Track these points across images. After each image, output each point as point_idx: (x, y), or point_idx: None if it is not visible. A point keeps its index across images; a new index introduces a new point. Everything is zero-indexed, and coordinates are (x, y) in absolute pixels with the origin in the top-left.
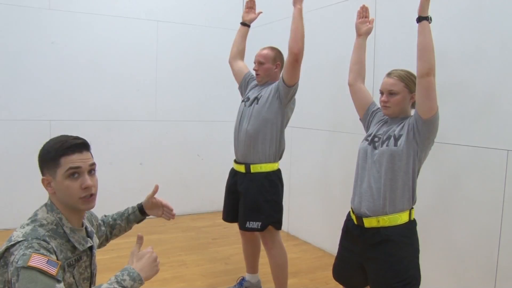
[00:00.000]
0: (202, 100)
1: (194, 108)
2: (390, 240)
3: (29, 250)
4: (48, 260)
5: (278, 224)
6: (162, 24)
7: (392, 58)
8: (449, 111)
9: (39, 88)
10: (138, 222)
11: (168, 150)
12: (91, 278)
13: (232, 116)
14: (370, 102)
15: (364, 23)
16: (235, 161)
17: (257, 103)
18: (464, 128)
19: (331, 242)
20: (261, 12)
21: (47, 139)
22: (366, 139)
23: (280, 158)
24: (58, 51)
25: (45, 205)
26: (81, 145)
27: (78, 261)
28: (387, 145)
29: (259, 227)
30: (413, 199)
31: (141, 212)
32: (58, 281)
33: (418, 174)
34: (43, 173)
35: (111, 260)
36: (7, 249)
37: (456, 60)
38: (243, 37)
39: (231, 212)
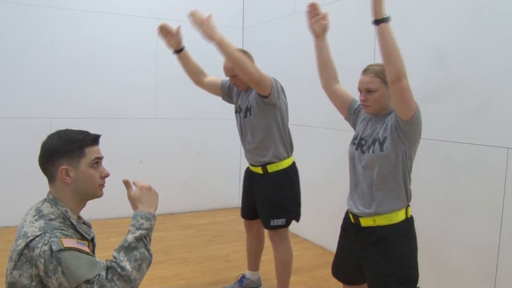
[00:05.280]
0: (202, 98)
1: (194, 106)
2: (387, 239)
3: (55, 237)
4: (77, 241)
5: (298, 218)
6: (162, 21)
7: None
8: (449, 109)
9: (39, 86)
10: None
11: (168, 148)
12: None
13: (232, 114)
14: (350, 101)
15: (317, 22)
16: (251, 164)
17: (251, 114)
18: (464, 126)
19: (331, 240)
20: (180, 26)
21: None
22: (353, 143)
23: (292, 150)
24: (58, 49)
25: (47, 200)
26: (98, 138)
27: None
28: (373, 151)
29: (284, 223)
30: (407, 197)
31: None
32: (93, 256)
33: (410, 171)
34: (59, 163)
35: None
36: (27, 245)
37: (456, 58)
38: (187, 61)
39: (249, 211)
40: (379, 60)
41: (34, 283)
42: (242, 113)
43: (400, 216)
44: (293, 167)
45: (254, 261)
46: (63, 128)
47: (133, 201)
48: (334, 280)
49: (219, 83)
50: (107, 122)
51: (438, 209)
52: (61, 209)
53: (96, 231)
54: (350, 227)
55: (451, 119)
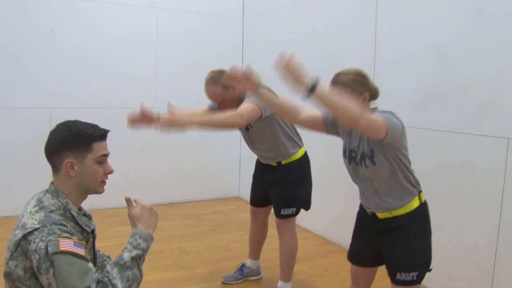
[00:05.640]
0: (202, 88)
1: (194, 96)
2: (404, 226)
3: (53, 236)
4: (74, 243)
5: (309, 206)
6: (162, 11)
7: (393, 55)
8: (449, 100)
9: (39, 76)
10: None
11: (168, 138)
12: (95, 259)
13: None
14: (321, 119)
15: (244, 85)
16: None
17: (251, 127)
18: (464, 116)
19: (331, 230)
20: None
21: (48, 127)
22: (344, 155)
23: (301, 140)
24: (57, 40)
25: (48, 191)
26: (107, 134)
27: (87, 243)
28: (366, 166)
29: (294, 212)
30: (415, 186)
31: None
32: (88, 260)
33: (409, 163)
34: (65, 156)
35: (113, 247)
36: (24, 236)
37: (458, 51)
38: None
39: (258, 199)
40: (379, 58)
41: (28, 275)
42: (243, 127)
43: (414, 204)
44: (305, 156)
45: (256, 250)
46: (62, 118)
47: (133, 219)
48: (334, 270)
49: (208, 107)
50: (107, 112)
51: (437, 200)
52: (62, 201)
53: (97, 221)
54: (366, 217)
55: (451, 110)
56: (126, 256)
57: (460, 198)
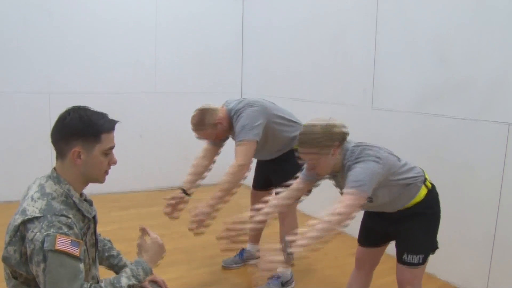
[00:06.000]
0: (202, 72)
1: (194, 80)
2: (415, 213)
3: (52, 230)
4: (71, 242)
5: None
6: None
7: (393, 39)
8: (450, 84)
9: (38, 61)
10: (115, 272)
11: (168, 122)
12: (96, 244)
13: (232, 88)
14: (304, 179)
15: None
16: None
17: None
18: (465, 101)
19: None
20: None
21: (47, 112)
22: (337, 189)
23: (299, 123)
24: (56, 23)
25: (50, 177)
26: (115, 124)
27: (88, 229)
28: (365, 204)
29: None
30: (417, 178)
31: None
32: (81, 261)
33: (402, 168)
34: (74, 144)
35: (113, 231)
36: (23, 222)
37: (459, 40)
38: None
39: (261, 181)
40: (380, 42)
41: (23, 260)
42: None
43: (422, 193)
44: None
45: (256, 234)
46: (61, 103)
47: (141, 248)
48: (333, 254)
49: (209, 144)
50: (107, 96)
51: (437, 184)
52: (64, 187)
53: (97, 205)
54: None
55: (451, 94)
56: (124, 282)
57: (459, 186)
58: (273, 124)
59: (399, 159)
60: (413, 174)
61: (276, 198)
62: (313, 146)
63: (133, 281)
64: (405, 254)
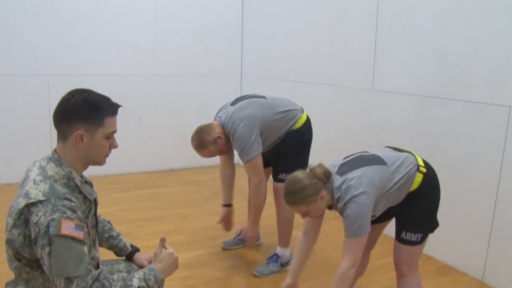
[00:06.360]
0: (202, 54)
1: (193, 62)
2: (415, 197)
3: (57, 214)
4: (76, 226)
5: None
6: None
7: (395, 17)
8: (452, 66)
9: (36, 43)
10: (115, 253)
11: (167, 105)
12: (96, 226)
13: (232, 69)
14: (313, 220)
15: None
16: None
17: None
18: (466, 84)
19: None
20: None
21: (46, 94)
22: None
23: (298, 109)
24: (54, 4)
25: (51, 159)
26: (118, 109)
27: (90, 211)
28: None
29: None
30: (409, 170)
31: (128, 255)
32: (85, 244)
33: (393, 172)
34: (77, 127)
35: (113, 213)
36: (27, 206)
37: (463, 15)
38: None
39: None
40: (381, 19)
41: (26, 242)
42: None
43: (417, 181)
44: (306, 124)
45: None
46: (60, 85)
47: (157, 258)
48: (333, 236)
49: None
50: (105, 78)
51: (437, 166)
52: (65, 169)
53: (97, 187)
54: None
55: (452, 76)
56: (136, 282)
57: (459, 168)
58: (267, 124)
59: (385, 163)
60: (404, 170)
61: (303, 245)
62: (300, 205)
63: (143, 284)
64: (404, 232)
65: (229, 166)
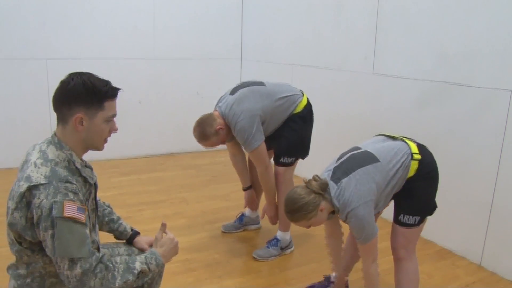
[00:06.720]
0: (201, 38)
1: (193, 46)
2: (413, 180)
3: (59, 197)
4: (78, 208)
5: (305, 156)
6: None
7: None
8: (452, 51)
9: (34, 26)
10: (116, 237)
11: (167, 88)
12: (96, 210)
13: (232, 53)
14: (330, 221)
15: None
16: None
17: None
18: (467, 68)
19: None
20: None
21: (45, 78)
22: None
23: (297, 93)
24: None
25: (51, 142)
26: (118, 92)
27: (90, 194)
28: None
29: (293, 161)
30: (405, 161)
31: (128, 238)
32: (86, 226)
33: (386, 167)
34: (76, 111)
35: (113, 197)
36: (29, 189)
37: (462, 4)
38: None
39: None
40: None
41: (28, 224)
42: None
43: (413, 169)
44: (307, 107)
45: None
46: (59, 69)
47: (157, 242)
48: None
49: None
50: (105, 62)
51: (437, 150)
52: (66, 152)
53: (97, 171)
54: None
55: (453, 61)
56: (138, 265)
57: (458, 152)
58: (267, 113)
59: (378, 160)
60: (398, 162)
61: (330, 245)
62: (302, 220)
63: (145, 267)
64: (402, 215)
65: (238, 151)
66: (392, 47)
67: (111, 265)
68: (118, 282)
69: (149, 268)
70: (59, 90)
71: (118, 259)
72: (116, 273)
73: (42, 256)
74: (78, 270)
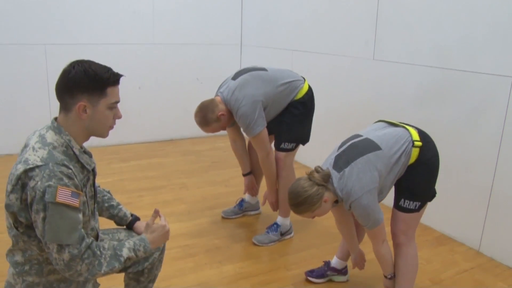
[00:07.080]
0: (201, 23)
1: (193, 31)
2: (413, 166)
3: (53, 180)
4: (71, 193)
5: (306, 142)
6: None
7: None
8: (454, 36)
9: (33, 11)
10: (116, 223)
11: (166, 74)
12: (95, 196)
13: (231, 39)
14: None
15: None
16: None
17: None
18: (468, 54)
19: None
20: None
21: (44, 64)
22: None
23: (299, 80)
24: None
25: (51, 128)
26: (120, 78)
27: (88, 181)
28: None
29: (293, 147)
30: (406, 149)
31: (128, 224)
32: (80, 211)
33: (388, 154)
34: (79, 98)
35: (113, 183)
36: (25, 171)
37: None
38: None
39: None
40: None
41: (22, 206)
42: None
43: (414, 156)
44: (308, 93)
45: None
46: (58, 55)
47: (148, 228)
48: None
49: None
50: (104, 48)
51: (436, 136)
52: (64, 137)
53: (97, 158)
54: None
55: (454, 47)
56: (125, 252)
57: (458, 139)
58: (269, 98)
59: (379, 147)
60: (400, 149)
61: (342, 230)
62: (305, 209)
63: (132, 254)
64: (402, 200)
65: (238, 137)
66: (393, 33)
67: (98, 252)
68: (104, 268)
69: (136, 255)
70: (61, 79)
71: (106, 244)
72: (102, 260)
73: (38, 243)
74: (66, 254)
